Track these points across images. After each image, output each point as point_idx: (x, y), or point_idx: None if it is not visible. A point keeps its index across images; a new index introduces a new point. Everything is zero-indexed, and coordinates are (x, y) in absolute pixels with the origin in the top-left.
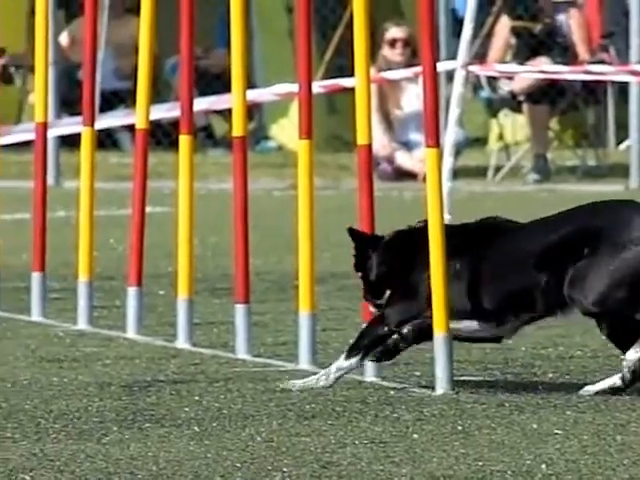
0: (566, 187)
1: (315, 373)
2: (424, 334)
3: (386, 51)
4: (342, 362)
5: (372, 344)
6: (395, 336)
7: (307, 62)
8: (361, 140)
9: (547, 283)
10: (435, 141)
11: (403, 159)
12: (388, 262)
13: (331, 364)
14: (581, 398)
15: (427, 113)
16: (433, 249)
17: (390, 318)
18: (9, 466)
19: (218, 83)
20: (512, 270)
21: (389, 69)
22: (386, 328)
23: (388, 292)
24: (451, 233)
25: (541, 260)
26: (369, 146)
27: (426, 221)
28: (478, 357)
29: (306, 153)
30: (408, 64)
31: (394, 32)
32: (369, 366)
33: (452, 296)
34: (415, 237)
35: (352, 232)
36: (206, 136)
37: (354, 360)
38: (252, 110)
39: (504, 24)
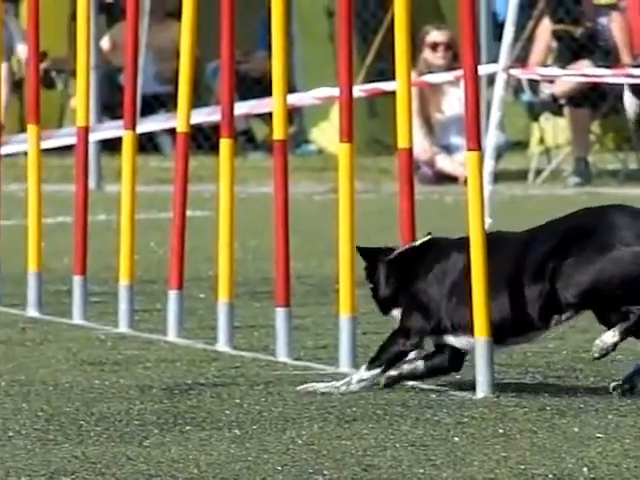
0: (607, 190)
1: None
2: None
3: (427, 54)
4: (363, 373)
5: (394, 357)
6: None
7: (348, 66)
8: (402, 144)
9: (541, 293)
10: (476, 144)
11: (444, 163)
12: (395, 279)
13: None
14: (623, 402)
15: (468, 116)
16: (474, 253)
17: (410, 333)
18: (51, 468)
19: (258, 87)
20: (510, 285)
21: (430, 72)
22: (408, 343)
23: (396, 310)
24: (451, 246)
25: (536, 272)
26: (410, 150)
27: (430, 234)
28: (519, 360)
29: (347, 157)
30: (449, 67)
31: (435, 35)
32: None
33: (449, 310)
34: (421, 252)
35: (361, 250)
36: (246, 140)
37: (375, 372)
38: (292, 114)
39: (545, 27)
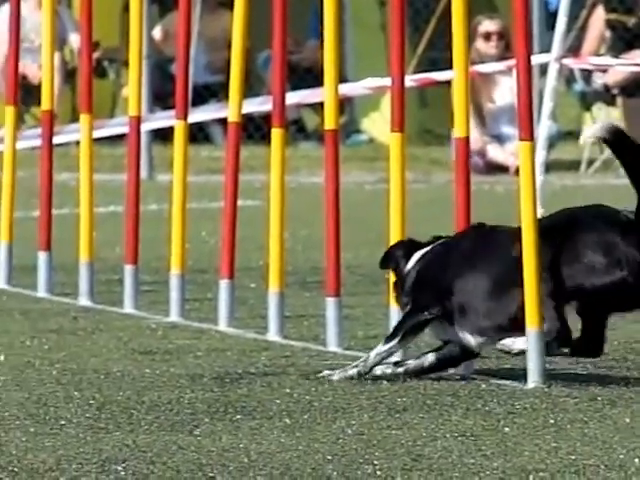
0: None
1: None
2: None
3: (480, 44)
4: (380, 347)
5: (411, 329)
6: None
7: (400, 55)
8: (458, 133)
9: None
10: (529, 134)
11: (495, 152)
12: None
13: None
14: None
15: (521, 106)
16: (526, 244)
17: (424, 306)
18: (102, 456)
19: (309, 76)
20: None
21: (482, 62)
22: (426, 312)
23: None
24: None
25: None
26: (466, 139)
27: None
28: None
29: (398, 146)
30: (501, 57)
31: (487, 25)
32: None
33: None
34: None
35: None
36: (297, 129)
37: (392, 344)
38: (343, 103)
39: (599, 16)
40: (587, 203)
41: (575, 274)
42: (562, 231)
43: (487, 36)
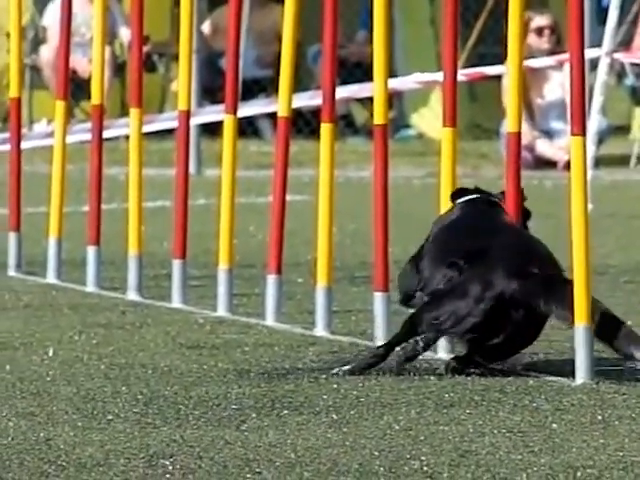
0: None
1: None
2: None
3: (532, 39)
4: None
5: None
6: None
7: (452, 51)
8: (511, 128)
9: None
10: (581, 129)
11: (544, 147)
12: None
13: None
14: None
15: (574, 101)
16: (576, 239)
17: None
18: (150, 451)
19: (359, 71)
20: None
21: (532, 57)
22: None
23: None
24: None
25: None
26: (518, 134)
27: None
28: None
29: (449, 141)
30: (551, 52)
31: (539, 20)
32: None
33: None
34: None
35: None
36: (346, 124)
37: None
38: (392, 98)
39: None
40: (637, 199)
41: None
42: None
43: (539, 31)
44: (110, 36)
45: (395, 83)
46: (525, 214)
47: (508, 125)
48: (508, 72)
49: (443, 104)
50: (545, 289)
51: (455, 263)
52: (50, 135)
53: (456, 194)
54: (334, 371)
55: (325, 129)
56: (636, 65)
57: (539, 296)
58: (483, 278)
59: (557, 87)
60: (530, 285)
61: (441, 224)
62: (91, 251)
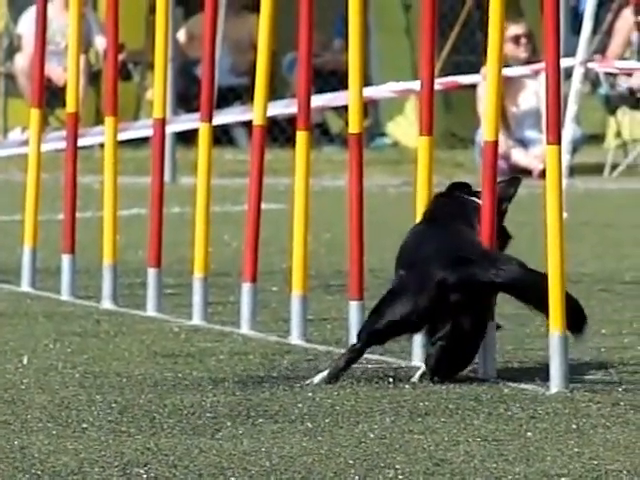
0: None
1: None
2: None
3: (509, 48)
4: None
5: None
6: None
7: (429, 59)
8: (488, 137)
9: None
10: (556, 138)
11: (519, 156)
12: None
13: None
14: None
15: (549, 110)
16: (551, 248)
17: None
18: (124, 460)
19: (334, 79)
20: None
21: (508, 66)
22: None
23: None
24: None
25: None
26: (495, 143)
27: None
28: (593, 356)
29: (426, 150)
30: (527, 61)
31: (515, 29)
32: (483, 363)
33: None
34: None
35: None
36: (321, 133)
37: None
38: (367, 107)
39: (625, 20)
40: (611, 207)
41: None
42: None
43: (516, 39)
44: (85, 44)
45: (370, 92)
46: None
47: (485, 134)
48: (486, 80)
49: (420, 113)
50: (490, 265)
51: (399, 274)
52: (25, 143)
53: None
54: (314, 381)
55: (300, 137)
56: (610, 74)
57: (487, 273)
58: (420, 275)
59: (532, 96)
60: (473, 268)
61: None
62: (66, 259)
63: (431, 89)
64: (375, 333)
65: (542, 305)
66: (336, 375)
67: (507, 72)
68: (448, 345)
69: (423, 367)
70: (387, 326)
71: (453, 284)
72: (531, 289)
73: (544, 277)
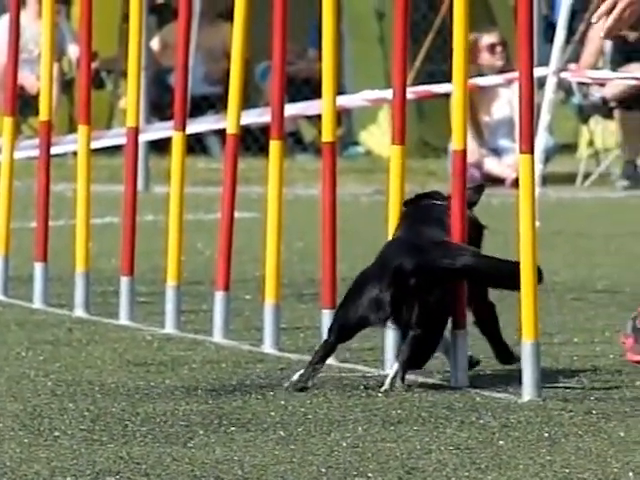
0: None
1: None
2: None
3: (485, 57)
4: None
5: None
6: None
7: (402, 67)
8: (456, 146)
9: None
10: (529, 147)
11: (491, 165)
12: None
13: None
14: None
15: (522, 119)
16: (524, 256)
17: None
18: (96, 468)
19: (307, 88)
20: None
21: (482, 75)
22: None
23: None
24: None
25: None
26: (464, 152)
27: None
28: (565, 364)
29: (398, 159)
30: (500, 70)
31: (489, 38)
32: (456, 372)
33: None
34: None
35: None
36: (294, 141)
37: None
38: (341, 115)
39: (597, 30)
40: (583, 216)
41: None
42: None
43: (492, 48)
44: (58, 52)
45: (343, 100)
46: (479, 229)
47: (453, 142)
48: (453, 90)
49: (392, 122)
50: (446, 252)
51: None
52: None
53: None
54: (292, 379)
55: (274, 146)
56: (583, 84)
57: (443, 259)
58: (380, 265)
59: (505, 105)
60: (430, 254)
61: None
62: (38, 267)
63: (403, 98)
64: (344, 326)
65: (506, 286)
66: (310, 374)
67: (480, 81)
68: (416, 334)
69: (392, 372)
70: (353, 317)
71: (411, 270)
72: (488, 273)
73: (505, 262)
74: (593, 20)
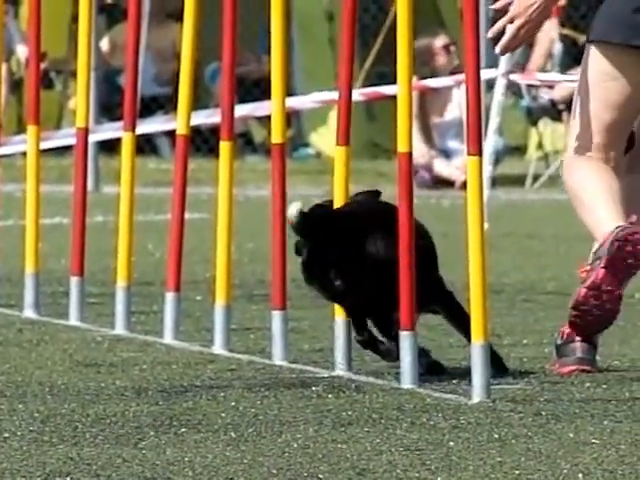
0: None
1: (350, 380)
2: None
3: (441, 59)
4: None
5: None
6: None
7: (348, 69)
8: (402, 148)
9: None
10: (477, 149)
11: (441, 167)
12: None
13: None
14: (618, 408)
15: (470, 121)
16: (472, 258)
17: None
18: (46, 470)
19: (257, 90)
20: None
21: (432, 76)
22: None
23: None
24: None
25: None
26: (409, 154)
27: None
28: (515, 366)
29: (342, 160)
30: (451, 72)
31: (441, 39)
32: (406, 373)
33: None
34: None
35: None
36: (244, 142)
37: None
38: (291, 117)
39: (546, 32)
40: (533, 218)
41: None
42: None
43: (446, 49)
44: (7, 53)
45: (293, 102)
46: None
47: (399, 145)
48: (398, 92)
49: (338, 123)
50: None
51: None
52: None
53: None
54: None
55: (224, 147)
56: (532, 86)
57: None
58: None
59: (456, 107)
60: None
61: None
62: None
63: (349, 99)
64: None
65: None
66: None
67: (430, 83)
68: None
69: None
70: None
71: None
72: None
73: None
74: (489, 35)
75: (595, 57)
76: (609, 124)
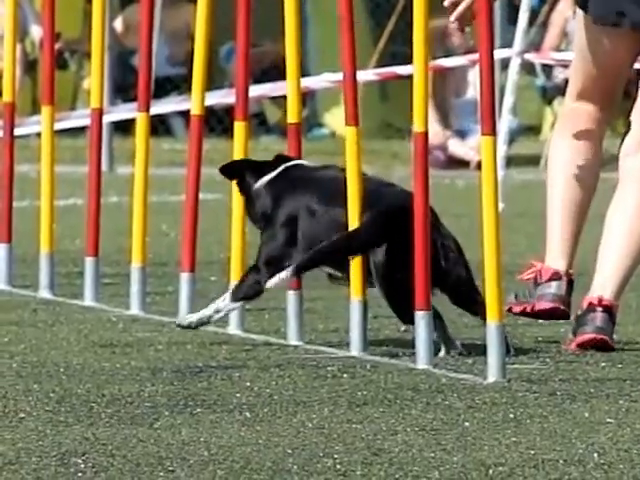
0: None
1: (365, 361)
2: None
3: (457, 39)
4: (222, 304)
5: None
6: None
7: (350, 48)
8: (417, 128)
9: None
10: (491, 129)
11: (455, 147)
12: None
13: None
14: (634, 387)
15: (484, 101)
16: (487, 239)
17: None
18: (62, 450)
19: (273, 70)
20: None
21: (447, 56)
22: (263, 279)
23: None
24: None
25: None
26: (425, 134)
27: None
28: (530, 345)
29: (353, 140)
30: (465, 52)
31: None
32: (421, 353)
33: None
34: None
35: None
36: (259, 123)
37: (234, 306)
38: (305, 97)
39: (560, 12)
40: (546, 198)
41: None
42: None
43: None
44: (21, 33)
45: (308, 82)
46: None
47: (414, 125)
48: (414, 72)
49: (345, 103)
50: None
51: None
52: None
53: None
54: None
55: (238, 127)
56: (546, 66)
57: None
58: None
59: (471, 87)
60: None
61: None
62: (2, 249)
63: (353, 78)
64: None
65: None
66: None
67: (445, 62)
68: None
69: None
70: None
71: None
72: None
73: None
74: (451, 19)
75: (579, 20)
76: (590, 81)
